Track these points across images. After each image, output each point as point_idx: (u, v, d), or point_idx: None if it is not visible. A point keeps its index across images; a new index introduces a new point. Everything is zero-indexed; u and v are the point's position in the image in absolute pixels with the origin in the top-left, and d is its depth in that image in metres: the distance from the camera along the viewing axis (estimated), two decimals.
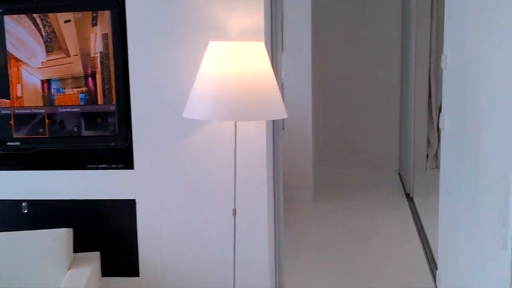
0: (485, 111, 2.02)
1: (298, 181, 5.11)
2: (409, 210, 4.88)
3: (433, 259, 3.72)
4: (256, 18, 2.45)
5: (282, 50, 4.88)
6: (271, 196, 2.72)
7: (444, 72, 2.83)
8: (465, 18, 2.39)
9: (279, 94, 2.27)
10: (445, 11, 2.82)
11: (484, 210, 2.01)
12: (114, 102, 2.61)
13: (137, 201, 2.67)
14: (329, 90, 6.17)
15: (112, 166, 2.68)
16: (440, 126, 2.86)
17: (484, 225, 2.00)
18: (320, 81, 6.03)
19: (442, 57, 2.82)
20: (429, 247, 3.97)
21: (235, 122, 2.38)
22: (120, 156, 2.73)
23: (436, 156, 6.02)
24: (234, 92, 2.16)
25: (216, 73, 2.20)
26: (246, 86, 2.17)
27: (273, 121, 2.76)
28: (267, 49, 2.39)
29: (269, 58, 2.41)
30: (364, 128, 6.19)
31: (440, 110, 5.90)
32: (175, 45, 2.53)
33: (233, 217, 2.41)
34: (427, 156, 5.99)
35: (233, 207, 2.40)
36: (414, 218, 4.66)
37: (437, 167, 6.02)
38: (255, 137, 2.54)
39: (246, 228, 2.58)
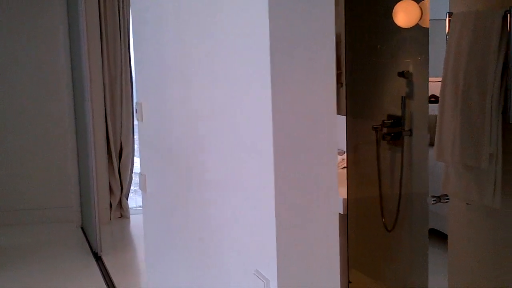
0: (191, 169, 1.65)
1: None
2: (98, 272, 4.37)
3: None
4: None
5: None
6: None
7: (139, 124, 2.41)
8: (154, 63, 2.02)
9: None
10: (134, 59, 2.42)
11: None
12: None
13: None
14: None
15: None
16: (141, 188, 2.41)
17: None
18: None
19: (136, 106, 2.39)
20: None
21: None
22: None
23: (121, 205, 5.64)
24: None
25: None
26: None
27: None
28: None
29: None
30: (38, 179, 5.44)
31: (120, 156, 5.52)
32: None
33: None
34: (111, 205, 5.55)
35: None
36: (105, 280, 4.17)
37: (122, 216, 5.68)
38: None
39: None
